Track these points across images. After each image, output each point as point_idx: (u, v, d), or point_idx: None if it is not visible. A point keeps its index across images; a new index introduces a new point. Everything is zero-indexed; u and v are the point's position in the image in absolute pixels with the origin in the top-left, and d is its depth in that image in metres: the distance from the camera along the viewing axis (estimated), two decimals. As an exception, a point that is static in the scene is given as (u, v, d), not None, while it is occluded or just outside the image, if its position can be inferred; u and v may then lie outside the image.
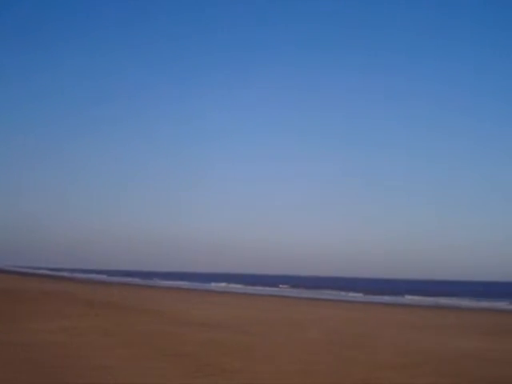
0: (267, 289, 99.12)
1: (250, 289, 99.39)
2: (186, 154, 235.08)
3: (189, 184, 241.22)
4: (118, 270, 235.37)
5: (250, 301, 55.79)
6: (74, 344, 17.18)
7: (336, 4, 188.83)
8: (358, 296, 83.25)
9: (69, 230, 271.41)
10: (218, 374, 13.14)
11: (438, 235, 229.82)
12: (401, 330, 27.32)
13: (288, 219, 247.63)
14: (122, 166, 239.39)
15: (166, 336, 20.31)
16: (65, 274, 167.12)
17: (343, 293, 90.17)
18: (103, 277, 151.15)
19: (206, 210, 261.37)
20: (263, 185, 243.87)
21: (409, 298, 76.21)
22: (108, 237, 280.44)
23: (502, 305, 61.94)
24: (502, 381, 13.82)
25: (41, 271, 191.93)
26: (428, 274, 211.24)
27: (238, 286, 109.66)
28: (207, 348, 17.54)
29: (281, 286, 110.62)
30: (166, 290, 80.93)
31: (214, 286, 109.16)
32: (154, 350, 16.73)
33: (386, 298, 76.37)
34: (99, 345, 17.28)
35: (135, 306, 37.21)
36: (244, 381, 12.46)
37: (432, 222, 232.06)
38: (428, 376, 14.02)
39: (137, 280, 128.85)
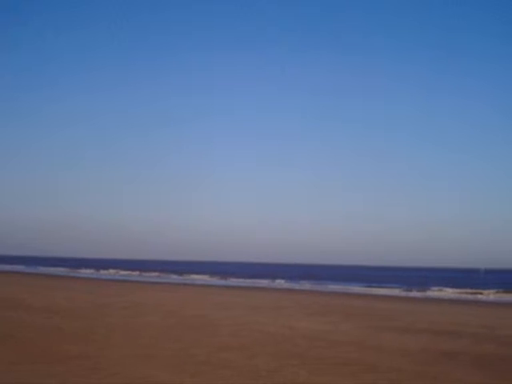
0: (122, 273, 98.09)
1: (105, 273, 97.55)
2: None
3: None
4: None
5: (99, 286, 54.70)
6: None
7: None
8: (203, 279, 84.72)
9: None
10: (59, 360, 12.95)
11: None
12: (242, 311, 28.16)
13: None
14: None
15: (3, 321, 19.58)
16: None
17: (196, 276, 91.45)
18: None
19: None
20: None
21: (278, 282, 80.00)
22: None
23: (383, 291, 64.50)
24: (329, 357, 14.79)
25: None
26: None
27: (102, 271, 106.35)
28: (47, 334, 17.15)
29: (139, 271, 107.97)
30: (23, 275, 77.69)
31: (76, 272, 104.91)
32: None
33: (235, 281, 78.69)
34: None
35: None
36: (87, 366, 12.39)
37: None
38: (266, 355, 14.68)
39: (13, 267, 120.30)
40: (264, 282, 76.99)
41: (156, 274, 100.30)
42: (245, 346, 16.15)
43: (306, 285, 71.94)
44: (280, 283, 76.87)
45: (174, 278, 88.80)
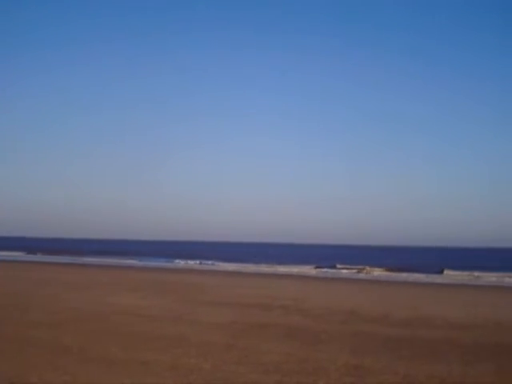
0: None
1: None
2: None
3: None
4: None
5: None
6: None
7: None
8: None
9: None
10: None
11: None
12: (60, 289, 27.47)
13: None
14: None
15: None
16: None
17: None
18: None
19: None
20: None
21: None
22: None
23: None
24: (142, 332, 14.92)
25: None
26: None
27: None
28: None
29: None
30: None
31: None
32: None
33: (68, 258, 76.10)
34: None
35: None
36: None
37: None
38: (77, 332, 14.52)
39: None
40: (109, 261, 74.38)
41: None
42: (57, 324, 15.87)
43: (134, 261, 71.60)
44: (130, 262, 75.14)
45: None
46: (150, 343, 13.30)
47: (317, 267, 68.17)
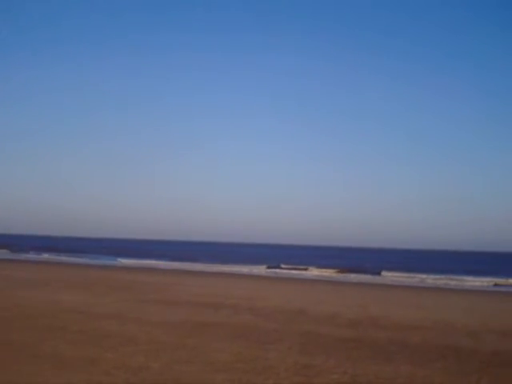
0: None
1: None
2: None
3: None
4: None
5: None
6: None
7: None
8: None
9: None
10: None
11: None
12: (10, 285, 26.98)
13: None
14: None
15: None
16: None
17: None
18: None
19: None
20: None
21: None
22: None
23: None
24: (91, 330, 14.73)
25: None
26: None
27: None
28: None
29: None
30: None
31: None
32: None
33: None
34: None
35: None
36: None
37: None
38: (26, 329, 14.29)
39: None
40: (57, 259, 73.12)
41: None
42: (4, 320, 15.62)
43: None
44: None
45: None
46: (99, 341, 13.14)
47: (268, 267, 68.61)
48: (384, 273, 61.38)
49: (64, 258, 73.14)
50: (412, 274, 58.73)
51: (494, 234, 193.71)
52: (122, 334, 14.38)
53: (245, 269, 63.83)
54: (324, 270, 66.30)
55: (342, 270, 64.70)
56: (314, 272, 64.25)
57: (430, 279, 54.12)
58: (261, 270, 65.63)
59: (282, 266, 71.04)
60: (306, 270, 66.79)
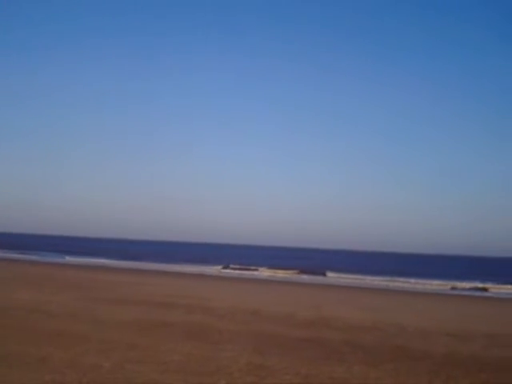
0: None
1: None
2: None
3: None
4: None
5: None
6: None
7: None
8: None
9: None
10: None
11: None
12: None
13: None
14: None
15: None
16: None
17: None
18: None
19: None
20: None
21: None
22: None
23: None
24: (43, 328, 14.46)
25: None
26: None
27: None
28: None
29: None
30: None
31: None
32: None
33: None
34: None
35: None
36: None
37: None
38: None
39: None
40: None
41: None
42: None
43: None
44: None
45: None
46: (49, 339, 12.91)
47: (224, 267, 68.60)
48: (329, 273, 62.06)
49: (9, 255, 71.53)
50: (357, 276, 59.45)
51: (456, 237, 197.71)
52: (74, 332, 14.14)
53: (200, 269, 63.65)
54: (274, 270, 66.78)
55: (294, 271, 65.24)
56: (265, 273, 64.56)
57: (377, 281, 54.86)
58: (216, 270, 65.57)
59: (231, 266, 71.15)
60: (256, 270, 67.02)
